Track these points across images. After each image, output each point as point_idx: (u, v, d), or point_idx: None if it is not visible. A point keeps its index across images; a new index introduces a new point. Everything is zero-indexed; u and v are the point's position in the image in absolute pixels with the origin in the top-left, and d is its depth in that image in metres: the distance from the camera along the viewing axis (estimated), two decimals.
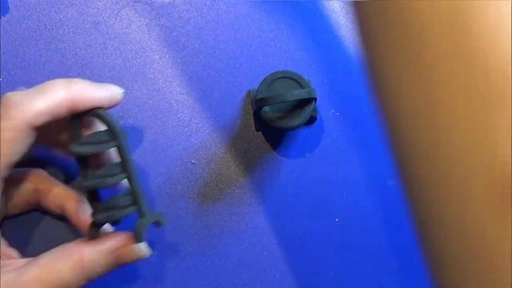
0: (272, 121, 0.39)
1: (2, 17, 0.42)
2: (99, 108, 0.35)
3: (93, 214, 0.34)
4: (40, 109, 0.32)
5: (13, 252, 0.34)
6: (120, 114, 0.43)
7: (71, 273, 0.32)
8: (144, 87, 0.43)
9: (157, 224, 0.34)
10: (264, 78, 0.39)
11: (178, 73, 0.43)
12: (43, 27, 0.43)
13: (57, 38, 0.43)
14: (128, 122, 0.42)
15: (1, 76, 0.42)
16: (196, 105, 0.43)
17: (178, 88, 0.43)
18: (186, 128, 0.42)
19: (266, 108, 0.39)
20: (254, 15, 0.43)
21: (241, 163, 0.42)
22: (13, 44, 0.43)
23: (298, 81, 0.39)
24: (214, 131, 0.42)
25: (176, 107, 0.43)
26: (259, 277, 0.42)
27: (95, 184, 0.33)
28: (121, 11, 0.43)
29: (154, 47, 0.43)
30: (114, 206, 0.34)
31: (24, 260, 0.33)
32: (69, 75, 0.42)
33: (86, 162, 0.34)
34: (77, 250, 0.33)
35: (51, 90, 0.33)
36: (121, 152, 0.34)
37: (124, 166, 0.34)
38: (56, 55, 0.43)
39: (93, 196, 0.35)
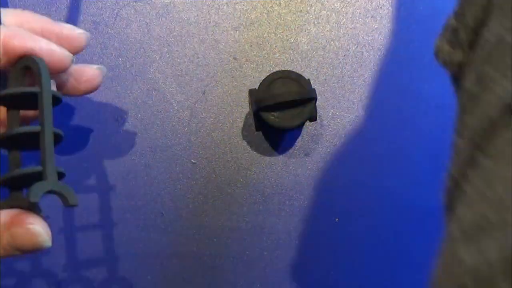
0: (271, 121, 0.39)
1: None
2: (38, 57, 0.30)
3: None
4: None
5: None
6: (119, 113, 0.43)
7: None
8: (144, 87, 0.43)
9: (65, 201, 0.29)
10: (264, 78, 0.39)
11: (178, 73, 0.43)
12: None
13: None
14: (128, 122, 0.42)
15: None
16: (196, 105, 0.43)
17: (178, 88, 0.43)
18: (186, 128, 0.42)
19: (266, 108, 0.39)
20: (254, 14, 0.43)
21: (241, 163, 0.42)
22: None
23: (298, 81, 0.39)
24: (214, 131, 0.42)
25: (176, 107, 0.43)
26: (259, 277, 0.42)
27: (9, 133, 0.30)
28: (121, 11, 0.43)
29: (154, 47, 0.43)
30: (20, 164, 0.30)
31: None
32: None
33: (13, 111, 0.31)
34: None
35: None
36: (39, 102, 0.29)
37: (40, 118, 0.29)
38: None
39: (11, 154, 0.31)
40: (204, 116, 0.43)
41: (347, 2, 0.43)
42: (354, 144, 0.43)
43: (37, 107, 0.30)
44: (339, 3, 0.43)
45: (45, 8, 0.43)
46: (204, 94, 0.43)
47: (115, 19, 0.43)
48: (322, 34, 0.43)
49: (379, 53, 0.43)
